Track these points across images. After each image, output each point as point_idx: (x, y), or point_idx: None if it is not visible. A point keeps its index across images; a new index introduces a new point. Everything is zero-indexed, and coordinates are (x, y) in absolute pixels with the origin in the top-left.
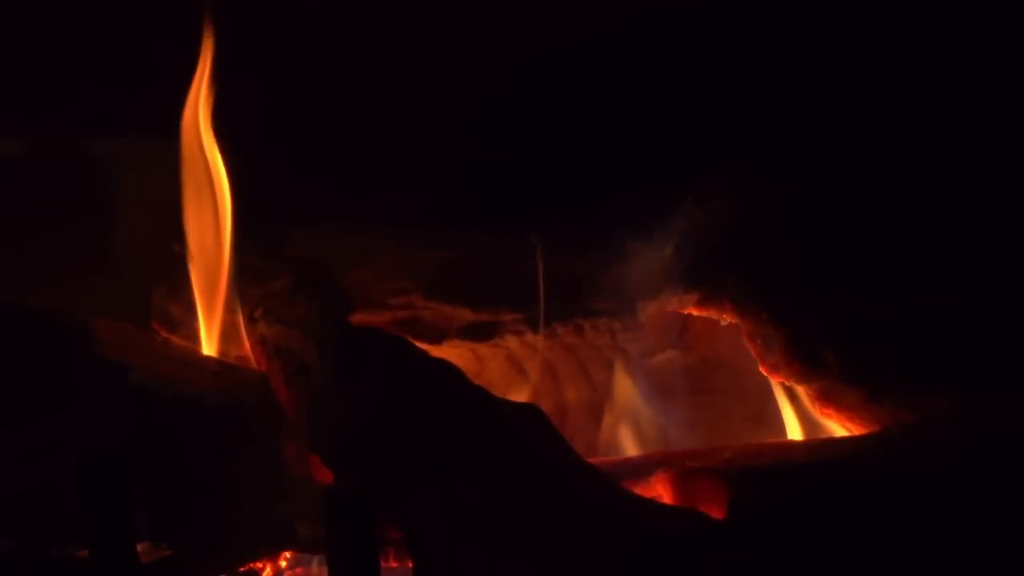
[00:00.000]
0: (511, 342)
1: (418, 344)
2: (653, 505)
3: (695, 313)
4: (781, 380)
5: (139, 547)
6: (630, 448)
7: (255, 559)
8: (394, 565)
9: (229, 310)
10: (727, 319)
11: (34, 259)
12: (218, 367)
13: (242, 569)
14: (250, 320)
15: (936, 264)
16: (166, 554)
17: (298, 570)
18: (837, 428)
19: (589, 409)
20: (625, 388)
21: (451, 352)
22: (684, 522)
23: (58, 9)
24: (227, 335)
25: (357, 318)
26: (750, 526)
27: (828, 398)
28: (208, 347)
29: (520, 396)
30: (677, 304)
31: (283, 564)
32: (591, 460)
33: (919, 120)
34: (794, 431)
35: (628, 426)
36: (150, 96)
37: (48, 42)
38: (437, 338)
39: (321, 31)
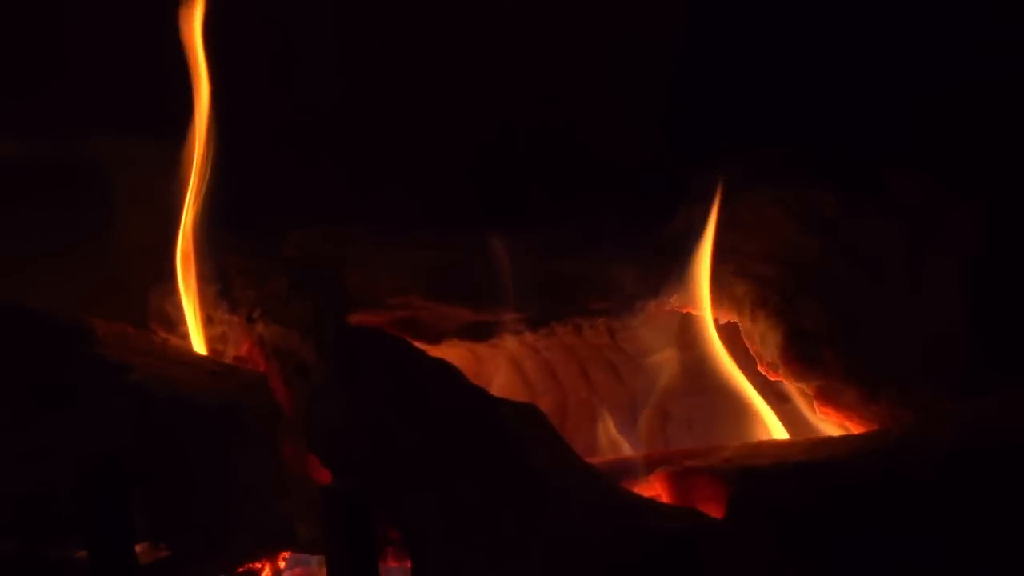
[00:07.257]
0: (510, 342)
1: (417, 344)
2: (652, 505)
3: (693, 312)
4: (779, 379)
5: (138, 547)
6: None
7: (254, 559)
8: (393, 565)
9: (212, 307)
10: (724, 317)
11: (34, 259)
12: (216, 367)
13: (241, 569)
14: (248, 320)
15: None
16: (165, 554)
17: (297, 570)
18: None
19: (588, 409)
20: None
21: (450, 352)
22: (683, 522)
23: (61, 9)
24: (223, 335)
25: (355, 318)
26: (749, 526)
27: (826, 397)
28: (197, 345)
29: (519, 396)
30: (675, 303)
31: (282, 564)
32: (590, 460)
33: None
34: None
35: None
36: (151, 96)
37: (49, 42)
38: (436, 338)
39: (322, 33)
